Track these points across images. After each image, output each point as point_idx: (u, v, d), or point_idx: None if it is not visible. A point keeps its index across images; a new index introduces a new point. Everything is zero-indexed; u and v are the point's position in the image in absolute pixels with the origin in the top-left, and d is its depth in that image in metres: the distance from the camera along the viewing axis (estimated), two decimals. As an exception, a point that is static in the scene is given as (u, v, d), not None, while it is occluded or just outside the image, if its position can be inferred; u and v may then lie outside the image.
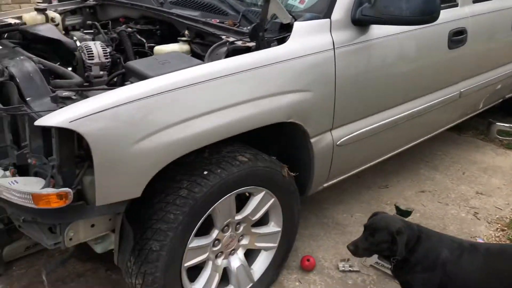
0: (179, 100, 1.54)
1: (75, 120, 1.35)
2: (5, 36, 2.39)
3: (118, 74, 1.95)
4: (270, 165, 1.93)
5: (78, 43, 2.18)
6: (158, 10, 2.36)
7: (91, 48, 2.05)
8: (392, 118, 2.48)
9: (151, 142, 1.49)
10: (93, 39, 2.26)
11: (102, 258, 2.24)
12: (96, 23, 2.32)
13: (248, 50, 1.84)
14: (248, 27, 2.00)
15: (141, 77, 1.65)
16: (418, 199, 3.02)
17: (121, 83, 2.02)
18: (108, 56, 2.09)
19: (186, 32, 2.14)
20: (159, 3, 2.49)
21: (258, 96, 1.74)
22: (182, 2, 2.39)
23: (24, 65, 1.61)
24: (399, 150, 2.83)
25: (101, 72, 2.07)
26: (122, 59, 2.15)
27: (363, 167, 2.59)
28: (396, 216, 2.57)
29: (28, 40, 2.27)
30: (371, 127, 2.36)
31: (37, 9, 2.64)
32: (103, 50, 2.07)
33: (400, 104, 2.52)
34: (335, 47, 2.00)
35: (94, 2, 2.87)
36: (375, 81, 2.24)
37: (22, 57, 1.69)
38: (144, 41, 2.34)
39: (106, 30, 2.40)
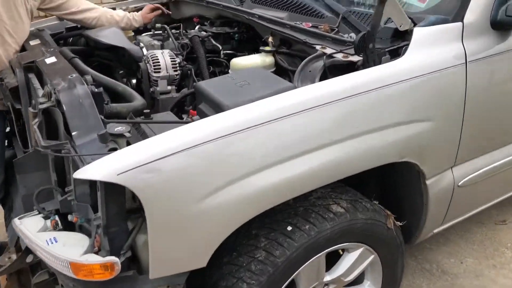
0: (262, 140, 1.15)
1: (125, 171, 1.01)
2: (70, 40, 2.17)
3: (188, 95, 1.60)
4: (372, 216, 1.48)
5: (144, 51, 1.88)
6: (237, 10, 1.98)
7: (158, 59, 1.73)
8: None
9: (223, 196, 1.11)
10: (162, 46, 1.93)
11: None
12: (166, 26, 1.99)
13: (351, 66, 1.41)
14: (350, 35, 1.55)
15: (214, 104, 1.28)
16: (549, 244, 2.39)
17: (191, 102, 1.68)
18: (177, 68, 1.76)
19: (270, 39, 1.73)
20: (239, 2, 2.11)
21: (364, 130, 1.30)
22: (266, 0, 1.98)
23: (74, 88, 1.31)
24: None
25: (169, 87, 1.76)
26: (193, 70, 1.81)
27: (483, 208, 2.05)
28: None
29: (92, 46, 2.02)
30: (502, 161, 1.81)
31: (104, 8, 2.40)
32: (171, 61, 1.75)
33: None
34: (467, 60, 1.48)
35: (166, -1, 2.58)
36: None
37: (74, 75, 1.39)
38: (220, 47, 1.99)
39: (177, 34, 2.07)
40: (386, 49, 1.43)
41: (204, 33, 2.03)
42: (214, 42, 2.00)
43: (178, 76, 1.77)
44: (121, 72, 2.00)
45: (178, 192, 1.07)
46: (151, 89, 1.75)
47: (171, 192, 1.07)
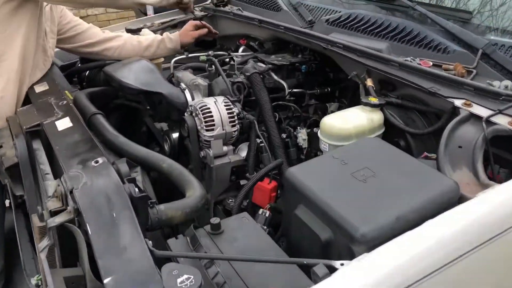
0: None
1: None
2: (86, 74, 1.69)
3: (271, 170, 1.10)
4: None
5: (187, 95, 1.39)
6: (307, 35, 1.48)
7: (210, 112, 1.24)
8: None
9: None
10: (209, 86, 1.43)
11: None
12: (214, 59, 1.49)
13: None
14: (504, 83, 1.05)
15: (330, 220, 0.79)
16: None
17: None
18: (236, 122, 1.27)
19: (369, 82, 1.23)
20: (306, 23, 1.60)
21: None
22: (351, 22, 1.46)
23: (102, 191, 0.82)
24: None
25: (225, 148, 1.27)
26: (256, 122, 1.32)
27: None
28: None
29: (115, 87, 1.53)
30: None
31: (128, 30, 1.91)
32: (228, 113, 1.27)
33: None
34: None
35: (202, 13, 2.08)
36: None
37: (100, 161, 0.90)
38: (284, 84, 1.49)
39: (225, 66, 1.57)
40: None
41: (261, 64, 1.52)
42: (275, 77, 1.50)
43: (236, 133, 1.28)
44: (150, 115, 1.54)
45: None
46: (202, 153, 1.27)
47: None
